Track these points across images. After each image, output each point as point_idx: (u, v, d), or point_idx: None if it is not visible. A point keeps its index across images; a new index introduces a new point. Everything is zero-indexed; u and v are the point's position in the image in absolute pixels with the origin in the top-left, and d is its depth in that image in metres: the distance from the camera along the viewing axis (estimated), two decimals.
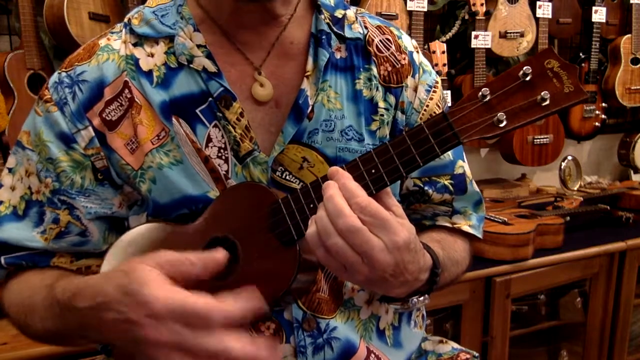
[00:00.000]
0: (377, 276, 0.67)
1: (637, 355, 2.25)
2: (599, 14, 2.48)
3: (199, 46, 0.81)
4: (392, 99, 0.88)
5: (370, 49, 0.88)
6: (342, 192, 0.66)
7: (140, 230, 0.81)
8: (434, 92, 0.92)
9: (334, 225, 0.65)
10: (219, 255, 0.66)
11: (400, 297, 0.77)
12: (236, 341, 0.61)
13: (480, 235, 0.98)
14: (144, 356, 0.64)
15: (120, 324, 0.64)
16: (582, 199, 2.28)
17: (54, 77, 0.84)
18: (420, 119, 0.91)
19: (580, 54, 2.55)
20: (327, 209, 0.66)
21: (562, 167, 2.47)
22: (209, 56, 0.81)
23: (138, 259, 0.66)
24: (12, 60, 1.68)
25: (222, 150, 0.82)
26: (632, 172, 2.84)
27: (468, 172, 0.97)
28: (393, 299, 0.80)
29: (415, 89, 0.90)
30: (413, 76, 0.90)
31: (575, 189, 2.53)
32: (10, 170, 0.86)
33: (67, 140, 0.82)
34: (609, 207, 2.20)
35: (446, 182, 0.93)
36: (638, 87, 2.62)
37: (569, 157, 2.51)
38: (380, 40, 0.89)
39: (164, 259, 0.65)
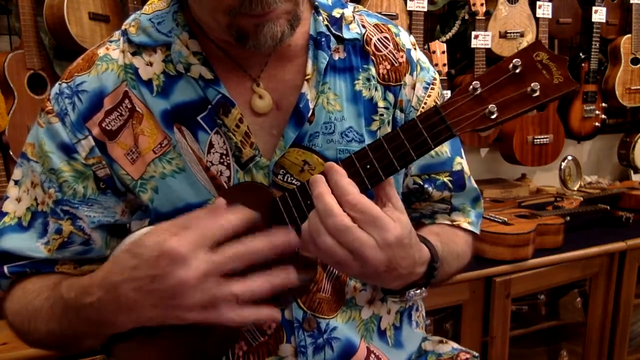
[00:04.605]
0: (370, 271, 0.67)
1: (637, 355, 2.25)
2: (599, 14, 2.48)
3: (195, 53, 0.81)
4: (391, 97, 0.88)
5: (369, 48, 0.88)
6: (334, 189, 0.67)
7: (142, 233, 0.81)
8: (432, 89, 0.92)
9: (324, 224, 0.66)
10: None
11: (397, 289, 0.78)
12: (255, 240, 0.66)
13: (477, 232, 0.98)
14: (177, 311, 0.65)
15: (146, 289, 0.65)
16: (582, 199, 2.28)
17: (55, 88, 0.85)
18: None
19: (580, 54, 2.55)
20: (317, 208, 0.66)
21: (562, 167, 2.47)
22: (205, 63, 0.81)
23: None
24: (12, 60, 1.68)
25: (224, 157, 0.82)
26: (632, 172, 2.84)
27: (466, 169, 0.97)
28: (391, 291, 0.81)
29: (414, 87, 0.90)
30: (411, 74, 0.90)
31: (575, 189, 2.53)
32: (16, 182, 0.87)
33: (68, 151, 0.82)
34: (609, 207, 2.20)
35: (445, 179, 0.94)
36: (638, 87, 2.61)
37: (569, 157, 2.51)
38: (379, 39, 0.89)
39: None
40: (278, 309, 0.71)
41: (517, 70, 0.67)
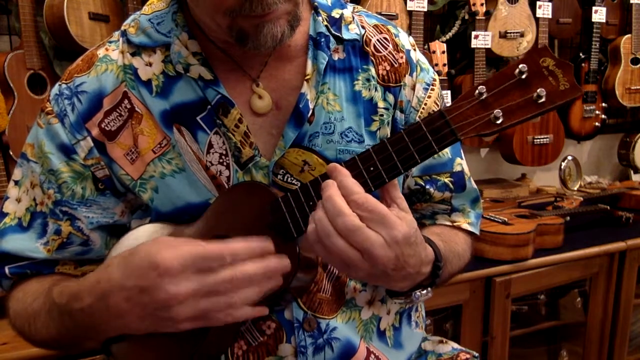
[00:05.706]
0: (379, 271, 0.67)
1: (637, 355, 2.25)
2: (599, 14, 2.48)
3: (194, 54, 0.81)
4: (391, 98, 0.88)
5: (368, 49, 0.88)
6: (339, 189, 0.67)
7: (141, 231, 0.81)
8: (432, 89, 0.92)
9: (333, 224, 0.66)
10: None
11: (404, 290, 0.78)
12: (246, 263, 0.67)
13: (477, 232, 0.98)
14: (168, 322, 0.66)
15: (135, 300, 0.65)
16: (582, 199, 2.28)
17: (55, 89, 0.85)
18: (419, 117, 0.91)
19: (580, 54, 2.55)
20: (326, 208, 0.66)
21: (562, 167, 2.47)
22: (205, 63, 0.81)
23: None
24: (12, 60, 1.68)
25: (223, 157, 0.82)
26: (632, 172, 2.84)
27: (466, 169, 0.97)
28: (397, 293, 0.81)
29: (413, 88, 0.90)
30: (411, 74, 0.90)
31: (575, 189, 2.53)
32: (16, 182, 0.87)
33: (67, 152, 0.82)
34: (609, 207, 2.20)
35: (446, 180, 0.94)
36: (638, 87, 2.61)
37: (569, 157, 2.51)
38: (378, 40, 0.89)
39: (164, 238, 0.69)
40: (265, 307, 0.72)
41: (523, 76, 0.67)
